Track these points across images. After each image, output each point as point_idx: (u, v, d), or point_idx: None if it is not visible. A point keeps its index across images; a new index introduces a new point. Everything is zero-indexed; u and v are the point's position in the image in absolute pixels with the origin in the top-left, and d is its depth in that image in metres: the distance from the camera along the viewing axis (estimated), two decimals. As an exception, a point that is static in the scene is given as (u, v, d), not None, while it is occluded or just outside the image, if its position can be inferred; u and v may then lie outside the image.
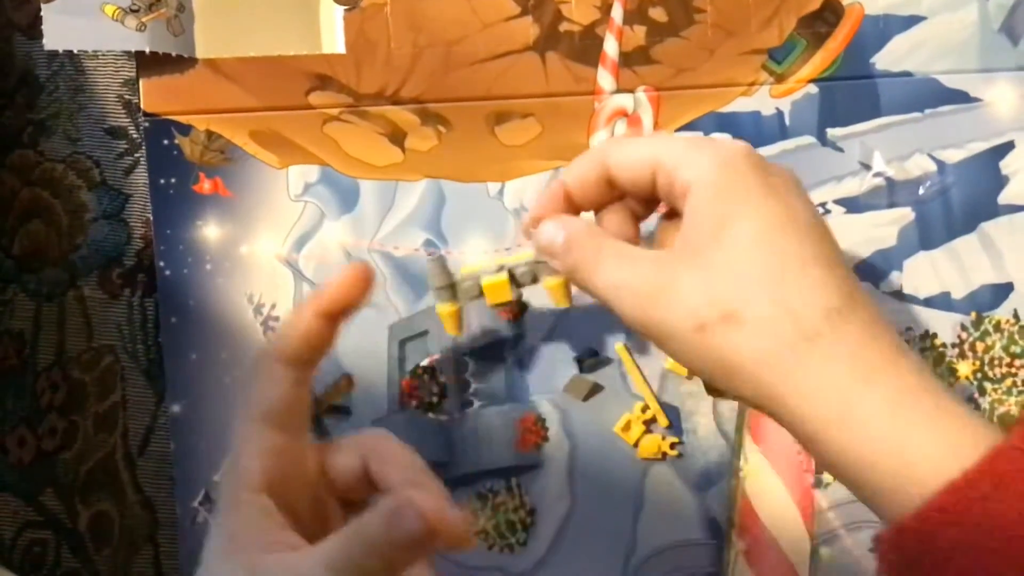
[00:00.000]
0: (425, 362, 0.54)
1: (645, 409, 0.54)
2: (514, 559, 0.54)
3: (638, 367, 0.54)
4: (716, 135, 0.55)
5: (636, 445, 0.54)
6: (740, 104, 0.55)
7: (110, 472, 0.55)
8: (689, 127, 0.55)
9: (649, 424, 0.54)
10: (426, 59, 0.54)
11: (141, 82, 0.53)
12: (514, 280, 0.50)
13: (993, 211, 0.56)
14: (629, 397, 0.55)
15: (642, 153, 0.41)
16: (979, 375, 0.55)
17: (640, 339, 0.54)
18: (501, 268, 0.50)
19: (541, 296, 0.54)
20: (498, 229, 0.54)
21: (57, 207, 0.55)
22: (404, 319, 0.54)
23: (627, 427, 0.54)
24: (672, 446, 0.54)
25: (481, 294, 0.51)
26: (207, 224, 0.53)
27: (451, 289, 0.52)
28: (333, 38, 0.53)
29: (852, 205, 0.55)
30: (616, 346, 0.54)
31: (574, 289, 0.53)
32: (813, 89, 0.55)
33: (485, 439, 0.54)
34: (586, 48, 0.54)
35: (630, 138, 0.51)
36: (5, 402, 0.55)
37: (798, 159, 0.55)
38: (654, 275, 0.39)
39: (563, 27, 0.54)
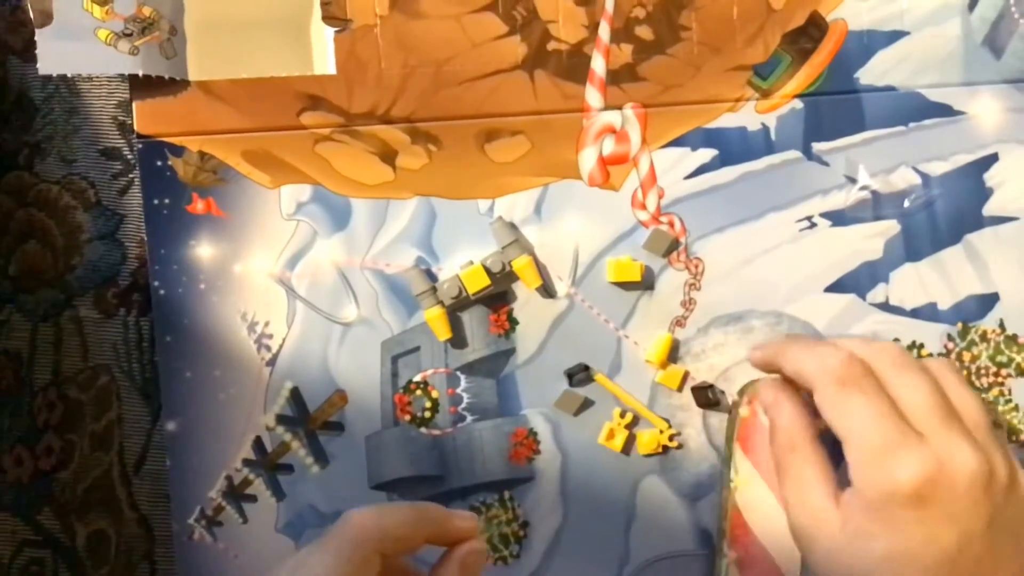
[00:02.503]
0: (418, 377, 0.55)
1: (623, 414, 0.55)
2: (507, 571, 0.55)
3: (619, 388, 0.55)
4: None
5: (627, 453, 0.55)
6: (726, 120, 0.56)
7: (107, 490, 0.55)
8: (676, 143, 0.55)
9: (632, 427, 0.55)
10: (416, 79, 0.54)
11: (134, 104, 0.53)
12: (487, 270, 0.54)
13: (978, 222, 0.56)
14: (620, 410, 0.55)
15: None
16: (966, 385, 0.56)
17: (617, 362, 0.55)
18: (471, 263, 0.54)
19: (529, 310, 0.55)
20: (489, 245, 0.55)
21: (53, 228, 0.56)
22: (396, 335, 0.55)
23: (611, 436, 0.54)
24: (671, 438, 0.55)
25: (461, 291, 0.54)
26: (201, 244, 0.54)
27: (433, 292, 0.54)
28: (324, 59, 0.54)
29: (838, 218, 0.56)
30: (596, 376, 0.55)
31: (559, 285, 0.54)
32: (798, 104, 0.56)
33: (478, 453, 0.55)
34: (574, 66, 0.55)
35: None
36: (2, 422, 0.55)
37: (784, 173, 0.56)
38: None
39: (551, 46, 0.55)
